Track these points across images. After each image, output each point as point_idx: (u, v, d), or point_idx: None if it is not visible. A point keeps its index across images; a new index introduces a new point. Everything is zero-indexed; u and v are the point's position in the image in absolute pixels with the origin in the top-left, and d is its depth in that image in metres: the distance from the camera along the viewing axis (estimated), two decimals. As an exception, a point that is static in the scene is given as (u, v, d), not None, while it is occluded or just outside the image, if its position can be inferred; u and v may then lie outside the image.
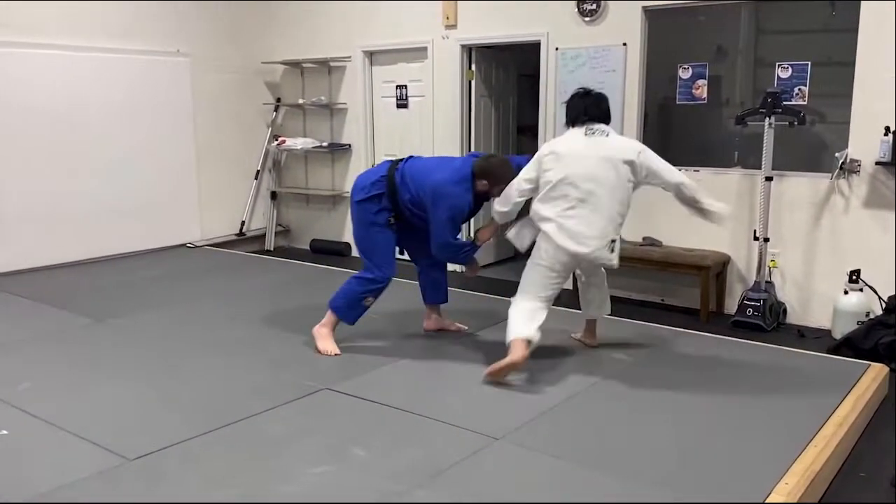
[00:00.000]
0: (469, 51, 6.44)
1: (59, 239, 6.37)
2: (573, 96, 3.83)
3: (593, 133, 3.67)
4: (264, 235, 7.97)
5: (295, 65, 7.63)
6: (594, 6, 5.56)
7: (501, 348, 4.15)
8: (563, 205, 3.62)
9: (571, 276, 4.41)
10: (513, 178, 3.88)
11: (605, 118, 3.75)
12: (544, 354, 4.07)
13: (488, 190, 3.95)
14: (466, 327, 4.60)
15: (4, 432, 3.14)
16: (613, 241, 3.70)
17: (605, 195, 3.61)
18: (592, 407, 3.46)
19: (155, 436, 3.09)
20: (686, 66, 5.36)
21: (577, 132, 3.71)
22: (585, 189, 3.59)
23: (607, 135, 3.69)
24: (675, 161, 5.40)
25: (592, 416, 3.35)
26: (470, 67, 6.48)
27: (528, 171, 3.78)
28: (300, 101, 7.64)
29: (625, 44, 5.49)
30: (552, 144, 3.76)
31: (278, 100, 7.92)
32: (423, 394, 3.66)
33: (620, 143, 3.75)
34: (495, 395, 3.60)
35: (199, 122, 7.34)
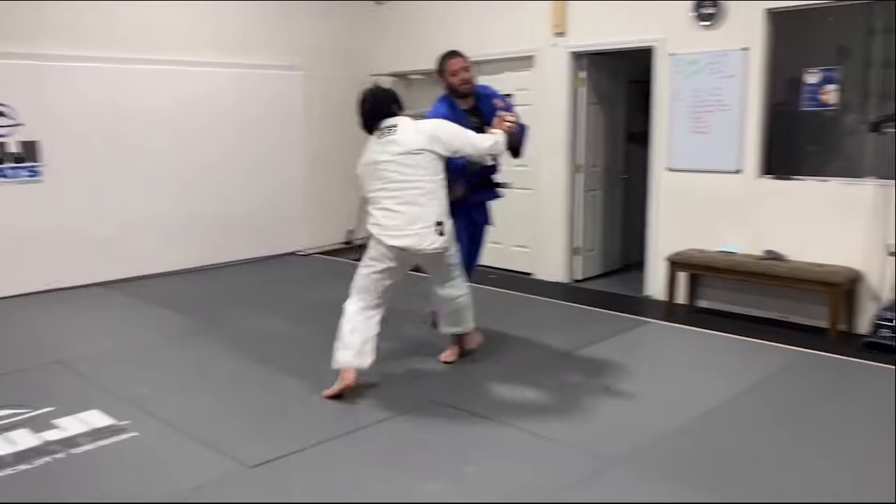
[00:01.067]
0: (578, 58, 6.32)
1: (176, 246, 6.67)
2: (358, 107, 3.85)
3: (383, 135, 3.72)
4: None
5: (402, 76, 7.71)
6: (712, 10, 5.34)
7: (613, 366, 4.04)
8: (379, 211, 3.70)
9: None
10: (445, 59, 4.11)
11: (389, 113, 3.76)
12: (643, 373, 3.91)
13: (448, 81, 4.09)
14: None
15: (126, 422, 3.28)
16: (439, 223, 3.66)
17: (412, 187, 3.64)
18: (714, 429, 3.28)
19: (272, 443, 3.15)
20: (813, 71, 5.05)
21: (373, 139, 3.78)
22: (394, 192, 3.65)
23: (394, 131, 3.70)
24: (801, 170, 5.18)
25: (716, 440, 3.18)
26: (579, 75, 6.36)
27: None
28: (407, 112, 7.69)
29: (745, 48, 5.23)
30: (359, 162, 3.85)
31: (385, 110, 8.01)
32: (534, 410, 3.57)
33: (407, 135, 3.70)
34: (608, 413, 3.48)
35: (310, 133, 7.54)
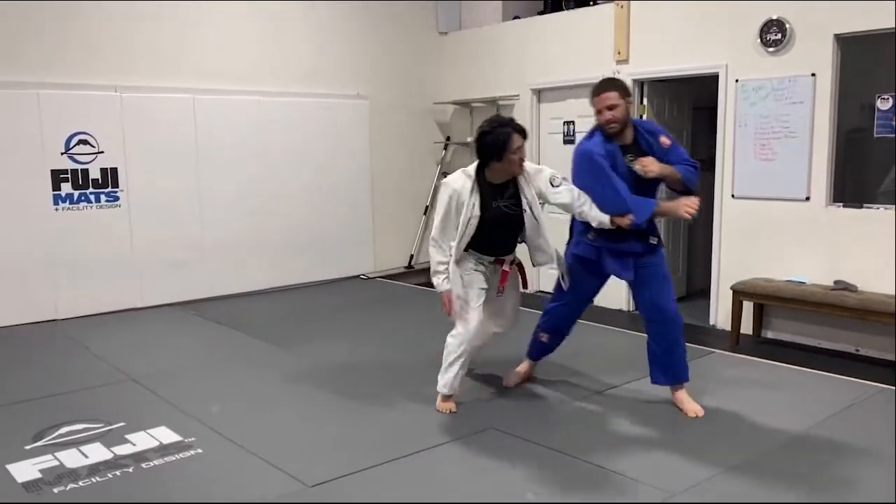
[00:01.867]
0: (641, 85, 6.30)
1: (247, 269, 6.88)
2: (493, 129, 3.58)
3: None
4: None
5: (464, 104, 7.82)
6: (778, 36, 5.25)
7: (665, 401, 3.96)
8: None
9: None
10: (592, 95, 3.70)
11: None
12: (708, 406, 3.82)
13: (596, 117, 3.68)
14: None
15: (192, 439, 3.40)
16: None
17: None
18: (783, 464, 3.19)
19: (333, 463, 3.21)
20: (886, 97, 4.91)
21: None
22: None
23: None
24: (873, 199, 5.02)
25: (785, 475, 3.08)
26: (642, 101, 6.33)
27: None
28: (468, 139, 7.80)
29: (813, 74, 5.13)
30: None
31: (448, 138, 8.14)
32: (598, 441, 3.53)
33: None
34: (675, 447, 3.41)
35: (375, 159, 7.70)
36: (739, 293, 5.38)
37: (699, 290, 6.62)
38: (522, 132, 3.59)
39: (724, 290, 5.65)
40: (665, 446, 3.40)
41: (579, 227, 3.87)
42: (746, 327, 5.49)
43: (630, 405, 3.94)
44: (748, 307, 5.47)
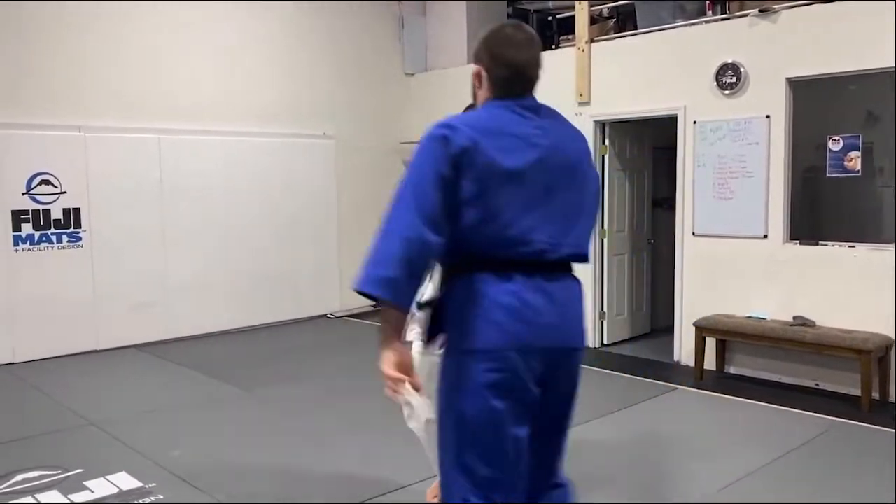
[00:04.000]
0: (602, 126, 6.44)
1: (211, 309, 6.80)
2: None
3: None
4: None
5: (430, 143, 7.90)
6: (733, 79, 5.43)
7: (638, 433, 3.99)
8: None
9: None
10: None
11: None
12: (671, 440, 3.85)
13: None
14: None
15: (153, 485, 3.32)
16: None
17: None
18: (743, 499, 3.22)
19: (296, 508, 3.17)
20: (836, 138, 5.09)
21: None
22: None
23: None
24: (828, 236, 5.17)
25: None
26: (604, 142, 6.47)
27: None
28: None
29: (768, 115, 5.30)
30: None
31: (414, 176, 8.20)
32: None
33: None
34: (633, 481, 3.43)
35: (342, 198, 7.73)
36: (702, 329, 5.47)
37: (663, 327, 6.71)
38: None
39: (686, 327, 5.73)
40: (622, 481, 3.42)
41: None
42: (710, 363, 5.57)
43: (591, 439, 3.96)
44: (711, 343, 5.55)
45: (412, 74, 8.14)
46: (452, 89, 7.67)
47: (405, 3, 8.06)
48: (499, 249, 1.95)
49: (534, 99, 2.17)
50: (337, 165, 7.66)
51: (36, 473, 3.56)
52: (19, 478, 3.51)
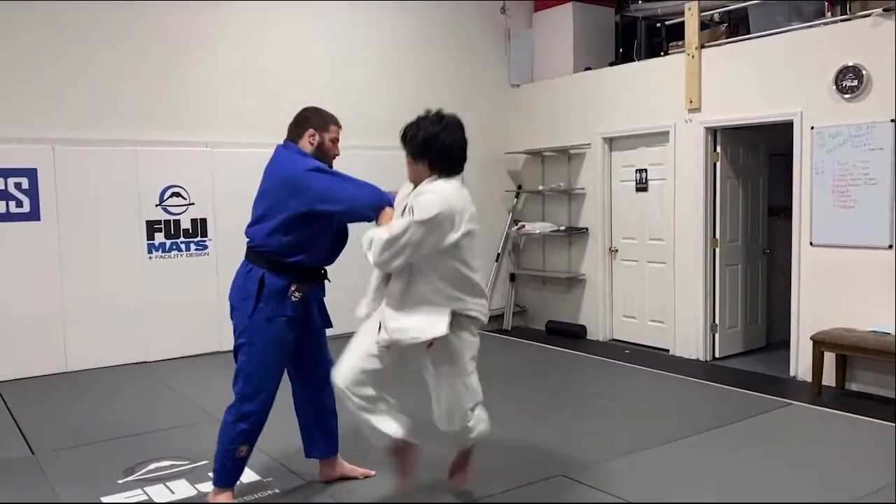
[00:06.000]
0: (714, 132, 6.29)
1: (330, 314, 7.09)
2: (438, 130, 3.04)
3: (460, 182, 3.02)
4: (503, 315, 8.23)
5: (536, 153, 7.95)
6: (854, 82, 5.19)
7: (747, 448, 3.89)
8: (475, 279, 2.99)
9: None
10: (331, 120, 3.44)
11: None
12: (781, 457, 3.71)
13: (321, 141, 3.37)
14: (374, 472, 3.62)
15: (270, 479, 3.53)
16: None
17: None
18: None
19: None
20: (971, 141, 4.77)
21: (456, 185, 2.99)
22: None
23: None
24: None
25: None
26: (715, 149, 6.31)
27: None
28: (540, 187, 7.92)
29: (893, 120, 5.03)
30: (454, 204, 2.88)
31: (519, 187, 8.27)
32: (670, 492, 3.49)
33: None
34: (749, 494, 3.35)
35: (447, 208, 7.86)
36: (820, 343, 5.23)
37: (779, 341, 6.45)
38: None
39: (804, 341, 5.50)
40: (734, 495, 3.34)
41: (279, 286, 3.21)
42: (829, 379, 5.32)
43: (704, 455, 3.88)
44: (830, 358, 5.30)
45: (518, 85, 8.22)
46: (558, 99, 7.71)
47: (512, 16, 8.16)
48: None
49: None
50: (444, 176, 7.82)
51: (167, 463, 3.86)
52: (152, 466, 3.82)
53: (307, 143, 3.34)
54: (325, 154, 3.38)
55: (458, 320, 2.90)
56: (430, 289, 2.86)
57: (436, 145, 2.95)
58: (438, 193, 2.82)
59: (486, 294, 3.06)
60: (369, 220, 3.12)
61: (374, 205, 3.13)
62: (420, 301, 2.87)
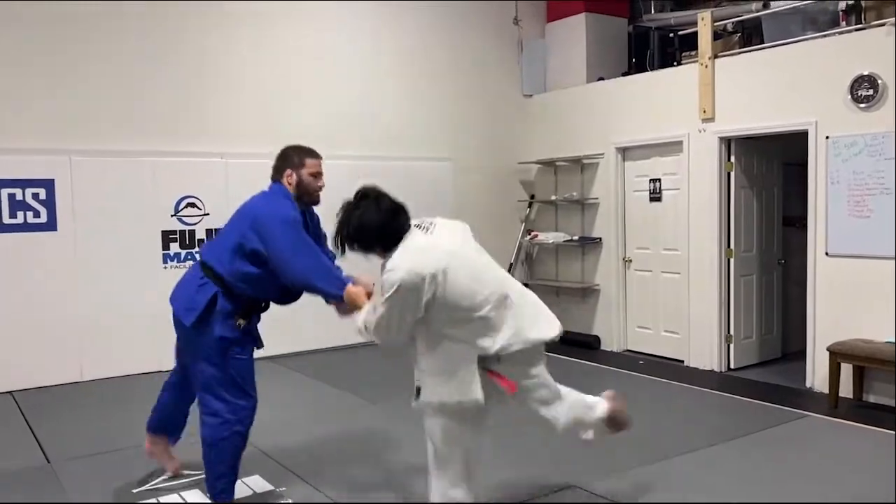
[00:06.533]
0: (728, 142, 6.27)
1: (333, 324, 7.09)
2: (350, 217, 2.93)
3: (429, 229, 2.97)
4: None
5: (548, 163, 7.95)
6: (870, 92, 5.16)
7: (761, 459, 3.85)
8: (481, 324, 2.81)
9: None
10: (311, 152, 3.42)
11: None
12: (795, 468, 3.67)
13: (299, 179, 3.35)
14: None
15: (283, 489, 3.54)
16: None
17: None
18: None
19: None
20: None
21: (417, 234, 2.92)
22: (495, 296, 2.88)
23: (433, 225, 3.02)
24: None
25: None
26: (729, 159, 6.29)
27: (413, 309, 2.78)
28: (553, 197, 7.91)
29: (910, 129, 5.00)
30: (425, 266, 2.75)
31: (532, 196, 8.27)
32: (677, 499, 3.47)
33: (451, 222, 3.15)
34: (760, 512, 3.32)
35: (460, 218, 7.85)
36: (836, 355, 5.18)
37: (795, 351, 6.40)
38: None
39: (820, 351, 5.45)
40: (754, 512, 3.31)
41: (227, 310, 3.25)
42: (846, 390, 5.26)
43: (719, 467, 3.85)
44: (847, 369, 5.25)
45: (530, 96, 8.23)
46: (571, 108, 7.71)
47: (525, 26, 8.19)
48: None
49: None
50: (455, 187, 7.84)
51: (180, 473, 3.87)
52: (166, 475, 3.83)
53: (287, 183, 3.36)
54: (305, 190, 3.38)
55: (512, 357, 2.85)
56: (448, 343, 2.81)
57: (363, 231, 2.89)
58: (395, 265, 2.75)
59: (506, 323, 2.88)
60: (322, 296, 3.21)
61: (326, 291, 3.16)
62: (446, 358, 2.84)
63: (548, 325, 3.02)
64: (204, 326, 3.21)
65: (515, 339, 2.85)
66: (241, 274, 3.19)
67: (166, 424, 3.74)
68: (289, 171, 3.35)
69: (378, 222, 2.85)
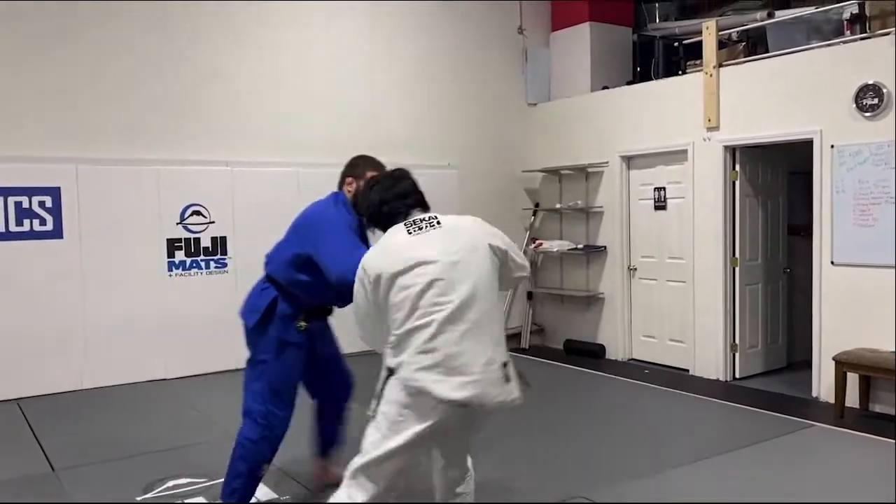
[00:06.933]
0: (732, 151, 6.27)
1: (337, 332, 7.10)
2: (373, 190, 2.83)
3: (420, 228, 2.66)
4: (520, 334, 8.20)
5: (553, 172, 7.96)
6: (875, 101, 5.16)
7: (766, 469, 3.84)
8: (424, 334, 2.48)
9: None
10: (377, 165, 3.36)
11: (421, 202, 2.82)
12: (801, 478, 3.66)
13: (359, 187, 3.29)
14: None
15: (287, 497, 3.54)
16: (505, 364, 2.57)
17: (481, 304, 2.55)
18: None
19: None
20: None
21: (399, 231, 2.68)
22: (457, 310, 2.49)
23: (439, 222, 2.72)
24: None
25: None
26: (734, 168, 6.28)
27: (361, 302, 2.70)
28: (557, 205, 7.92)
29: (915, 137, 5.00)
30: (372, 265, 2.62)
31: (537, 205, 8.27)
32: (684, 512, 3.46)
33: (462, 224, 2.80)
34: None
35: (465, 226, 7.88)
36: (842, 364, 5.17)
37: (801, 361, 6.38)
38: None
39: (826, 361, 5.43)
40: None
41: (287, 312, 3.32)
42: (852, 400, 5.24)
43: (724, 477, 3.83)
44: (853, 379, 5.23)
45: (535, 104, 8.25)
46: (576, 117, 7.72)
47: (529, 35, 8.21)
48: None
49: None
50: (460, 194, 7.84)
51: (185, 480, 3.88)
52: (170, 483, 3.84)
53: (347, 191, 3.43)
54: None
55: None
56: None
57: (364, 207, 2.91)
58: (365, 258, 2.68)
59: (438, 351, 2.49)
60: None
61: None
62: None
63: (471, 387, 2.46)
64: (264, 328, 3.31)
65: (419, 369, 2.50)
66: (296, 282, 3.30)
67: (320, 447, 3.80)
68: (350, 179, 3.43)
69: (376, 202, 2.79)
